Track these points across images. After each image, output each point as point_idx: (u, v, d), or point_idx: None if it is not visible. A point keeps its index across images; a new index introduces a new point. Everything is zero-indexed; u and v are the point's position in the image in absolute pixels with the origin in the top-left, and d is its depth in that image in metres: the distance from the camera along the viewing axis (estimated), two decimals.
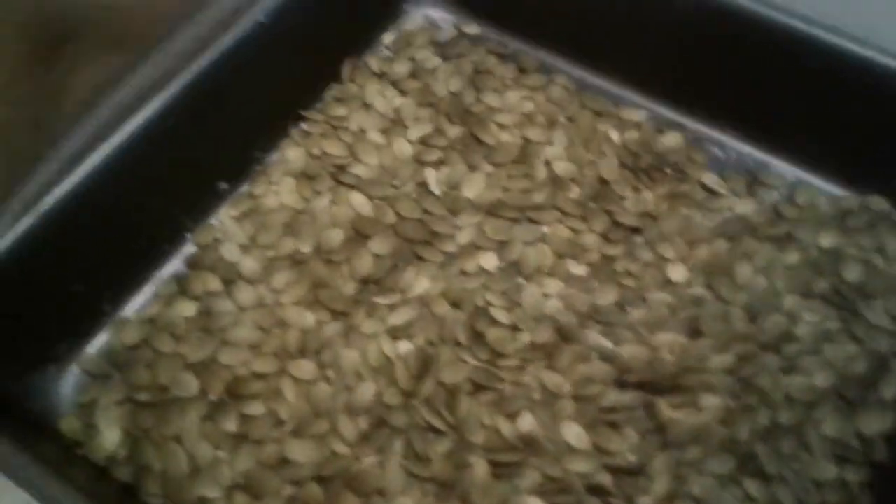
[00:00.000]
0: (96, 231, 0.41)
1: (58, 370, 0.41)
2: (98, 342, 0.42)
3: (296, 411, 0.40)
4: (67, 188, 0.39)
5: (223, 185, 0.47)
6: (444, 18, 0.56)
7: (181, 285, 0.44)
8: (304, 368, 0.41)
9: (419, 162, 0.49)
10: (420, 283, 0.44)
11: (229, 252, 0.45)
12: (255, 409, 0.40)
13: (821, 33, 0.44)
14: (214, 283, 0.44)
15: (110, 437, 0.39)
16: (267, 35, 0.46)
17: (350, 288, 0.44)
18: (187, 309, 0.43)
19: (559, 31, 0.53)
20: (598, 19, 0.51)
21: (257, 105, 0.47)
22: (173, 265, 0.45)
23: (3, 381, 0.39)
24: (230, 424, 0.39)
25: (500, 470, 0.38)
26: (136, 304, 0.44)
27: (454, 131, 0.50)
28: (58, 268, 0.40)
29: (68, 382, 0.41)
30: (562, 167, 0.48)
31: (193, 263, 0.45)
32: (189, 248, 0.46)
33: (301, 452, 0.39)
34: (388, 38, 0.55)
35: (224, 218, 0.46)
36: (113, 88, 0.42)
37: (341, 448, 0.39)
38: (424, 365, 0.41)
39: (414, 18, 0.56)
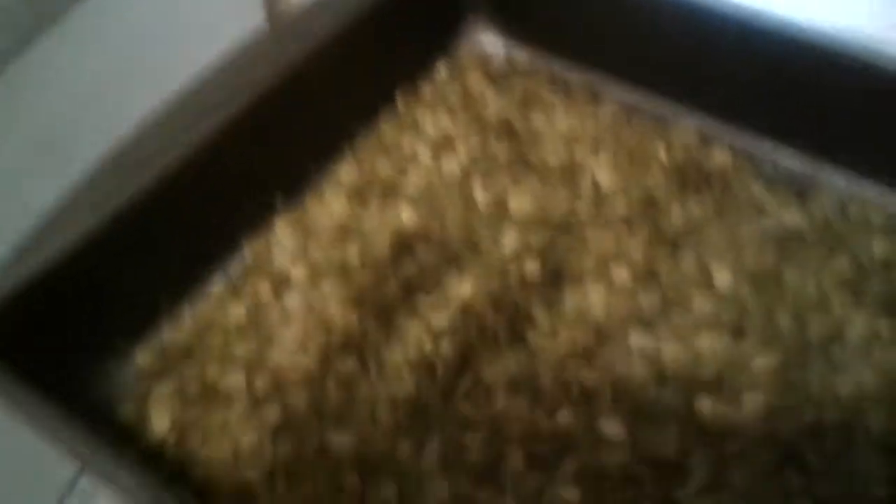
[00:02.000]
0: (158, 235, 0.44)
1: (116, 363, 0.43)
2: (155, 339, 0.44)
3: (337, 404, 0.41)
4: (132, 193, 0.42)
5: (279, 200, 0.49)
6: (495, 48, 0.58)
7: (234, 289, 0.46)
8: (347, 364, 0.42)
9: (467, 178, 0.50)
10: (463, 287, 0.45)
11: (280, 260, 0.47)
12: (299, 400, 0.41)
13: (862, 48, 0.44)
14: (265, 288, 0.46)
15: (160, 424, 0.41)
16: (326, 61, 0.49)
17: (394, 292, 0.45)
18: (239, 310, 0.45)
19: (606, 55, 0.54)
20: (643, 42, 0.52)
21: (314, 126, 0.50)
22: (229, 271, 0.47)
23: (68, 369, 0.41)
24: (273, 415, 0.41)
25: (537, 460, 0.38)
26: (192, 305, 0.46)
27: (502, 152, 0.51)
28: (119, 268, 0.42)
29: (126, 375, 0.43)
30: (607, 183, 0.49)
31: (247, 269, 0.47)
32: (246, 257, 0.48)
33: (340, 441, 0.39)
34: (441, 67, 0.57)
35: (278, 229, 0.48)
36: (178, 103, 0.44)
37: (380, 437, 0.39)
38: (463, 362, 0.42)
39: (467, 49, 0.58)
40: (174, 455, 0.40)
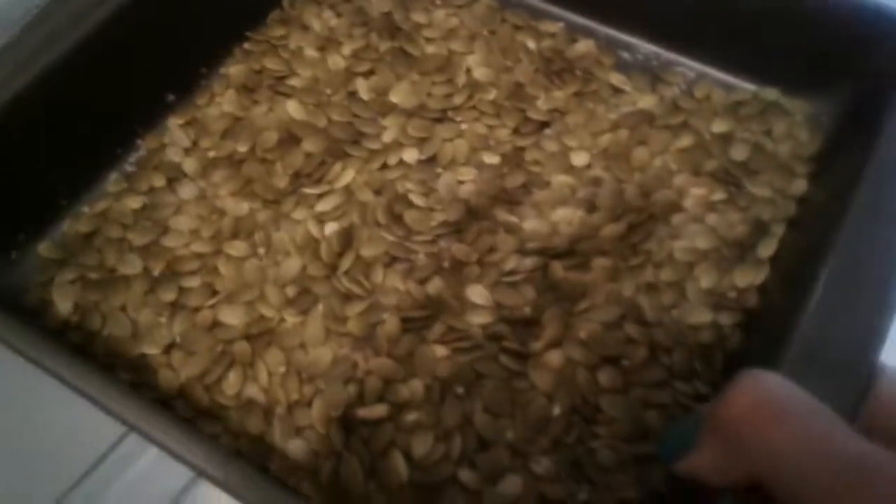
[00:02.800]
0: (52, 132, 0.45)
1: (19, 256, 0.46)
2: (55, 232, 0.47)
3: (228, 283, 0.45)
4: (22, 87, 0.43)
5: (171, 97, 0.52)
6: None
7: (130, 183, 0.49)
8: (237, 247, 0.46)
9: (350, 73, 0.53)
10: (346, 175, 0.48)
11: (174, 153, 0.50)
12: (192, 282, 0.45)
13: None
14: (159, 180, 0.49)
15: (63, 308, 0.44)
16: None
17: (282, 181, 0.48)
18: (134, 202, 0.48)
19: None
20: None
21: (204, 26, 0.52)
22: (125, 167, 0.50)
23: None
24: (169, 295, 0.44)
25: (409, 325, 0.43)
26: (90, 200, 0.48)
27: (384, 46, 0.54)
28: (15, 165, 0.44)
29: (29, 267, 0.46)
30: (480, 73, 0.53)
31: (141, 164, 0.50)
32: (140, 153, 0.50)
33: (231, 316, 0.43)
34: None
35: (171, 125, 0.51)
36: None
37: (268, 311, 0.43)
38: (346, 242, 0.46)
39: None
40: (77, 335, 0.43)
